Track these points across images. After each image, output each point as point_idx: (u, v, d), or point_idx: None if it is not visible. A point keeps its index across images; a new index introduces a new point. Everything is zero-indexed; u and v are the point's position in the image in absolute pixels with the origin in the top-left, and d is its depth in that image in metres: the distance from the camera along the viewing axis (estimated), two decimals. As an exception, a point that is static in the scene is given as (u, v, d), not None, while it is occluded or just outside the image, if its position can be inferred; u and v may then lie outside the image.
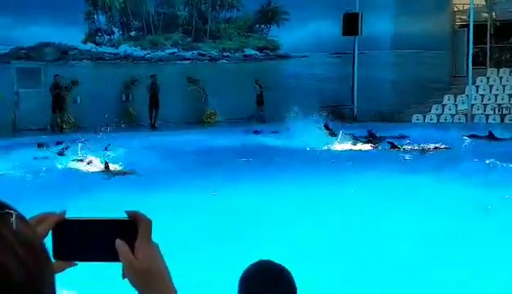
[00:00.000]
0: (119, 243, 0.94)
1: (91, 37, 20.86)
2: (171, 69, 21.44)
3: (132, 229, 0.95)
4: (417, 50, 23.22)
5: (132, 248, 0.93)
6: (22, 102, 19.06)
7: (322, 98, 22.28)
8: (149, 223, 0.95)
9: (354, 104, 23.48)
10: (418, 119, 23.01)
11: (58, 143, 17.18)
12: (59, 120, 19.51)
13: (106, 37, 21.17)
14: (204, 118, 21.53)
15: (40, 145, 16.53)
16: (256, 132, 19.94)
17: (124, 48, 21.38)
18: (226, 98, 21.17)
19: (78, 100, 19.77)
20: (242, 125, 20.63)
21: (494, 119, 22.79)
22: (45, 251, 0.75)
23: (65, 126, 19.41)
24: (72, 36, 20.15)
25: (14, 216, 0.71)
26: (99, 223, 0.95)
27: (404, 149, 16.23)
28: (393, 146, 16.49)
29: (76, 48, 20.39)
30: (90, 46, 20.79)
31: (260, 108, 21.91)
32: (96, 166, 13.63)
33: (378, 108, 22.18)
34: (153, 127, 20.12)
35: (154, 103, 20.27)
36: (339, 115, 22.40)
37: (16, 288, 0.67)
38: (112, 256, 0.94)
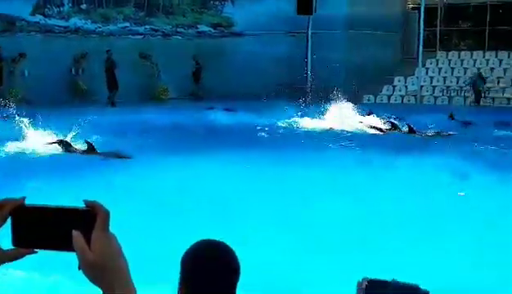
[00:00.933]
0: (75, 234, 0.93)
1: (39, 8, 20.27)
2: (122, 43, 21.07)
3: (90, 219, 0.94)
4: (369, 31, 23.49)
5: (89, 240, 0.92)
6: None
7: (276, 77, 22.36)
8: (106, 214, 0.94)
9: (307, 84, 23.62)
10: (369, 100, 23.38)
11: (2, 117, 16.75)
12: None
13: (56, 10, 20.62)
14: (156, 95, 21.30)
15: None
16: (210, 109, 19.90)
17: (74, 21, 20.87)
18: (178, 74, 21.01)
19: (26, 74, 19.24)
20: (192, 102, 20.56)
21: (442, 101, 23.37)
22: None
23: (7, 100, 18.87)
24: (19, 7, 19.54)
25: None
26: (57, 211, 0.95)
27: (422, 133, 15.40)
28: (411, 130, 15.62)
29: (23, 20, 19.78)
30: (39, 18, 20.22)
31: (197, 84, 21.83)
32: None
33: (330, 88, 22.37)
34: (112, 105, 19.76)
35: (111, 81, 19.88)
36: (291, 95, 22.52)
37: None
38: (69, 246, 0.93)
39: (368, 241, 6.58)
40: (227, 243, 1.92)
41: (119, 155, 11.43)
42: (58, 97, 19.22)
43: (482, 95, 22.66)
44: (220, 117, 18.18)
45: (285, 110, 18.45)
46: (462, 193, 9.13)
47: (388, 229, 6.99)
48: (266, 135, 15.52)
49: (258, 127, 16.46)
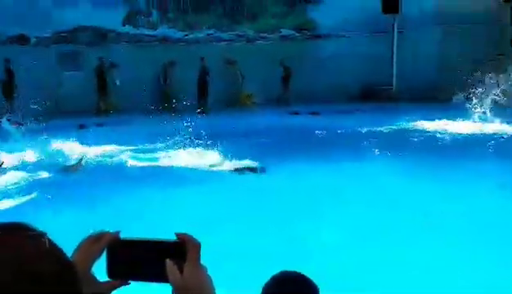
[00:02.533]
0: (170, 265, 0.97)
1: (129, 19, 20.95)
2: (208, 50, 21.39)
3: (182, 251, 0.98)
4: (459, 26, 22.62)
5: (181, 270, 0.96)
6: (63, 85, 19.32)
7: (363, 78, 22.01)
8: (198, 246, 0.98)
9: (393, 84, 23.10)
10: (458, 99, 22.51)
11: (98, 125, 17.46)
12: (101, 103, 19.74)
13: (144, 20, 21.25)
14: (241, 100, 21.46)
15: (82, 127, 16.82)
16: (295, 114, 19.85)
17: (162, 30, 21.41)
18: (262, 79, 21.08)
19: (118, 83, 19.93)
20: (277, 107, 20.55)
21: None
22: (73, 266, 0.84)
23: (108, 108, 19.63)
24: (110, 19, 20.27)
25: (46, 238, 0.81)
26: (150, 244, 0.99)
27: None
28: None
29: (114, 31, 20.51)
30: (128, 28, 20.90)
31: (285, 90, 21.63)
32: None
33: (418, 87, 21.76)
34: (203, 112, 20.08)
35: (203, 88, 20.21)
36: (377, 96, 22.11)
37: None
38: (162, 277, 0.97)
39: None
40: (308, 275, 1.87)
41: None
42: (148, 106, 19.79)
43: None
44: (311, 122, 18.13)
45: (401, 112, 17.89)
46: None
47: None
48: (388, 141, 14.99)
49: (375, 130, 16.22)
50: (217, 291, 1.01)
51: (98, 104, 19.64)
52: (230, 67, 21.78)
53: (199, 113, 20.10)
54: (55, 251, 0.81)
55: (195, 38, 21.70)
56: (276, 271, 1.90)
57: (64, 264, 0.81)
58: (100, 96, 19.76)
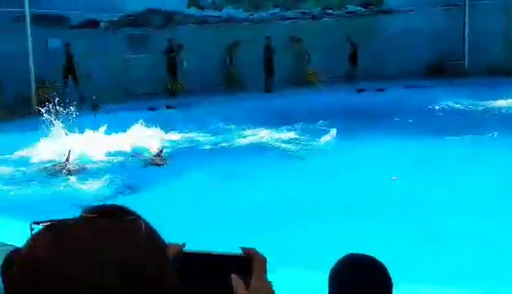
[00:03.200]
0: (235, 279, 0.96)
1: (194, 1, 21.10)
2: (273, 29, 21.28)
3: (247, 265, 0.97)
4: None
5: (247, 285, 0.95)
6: (132, 68, 19.71)
7: (432, 53, 21.37)
8: (264, 261, 0.98)
9: (465, 58, 22.28)
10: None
11: (168, 107, 17.75)
12: (171, 85, 20.02)
13: (209, 1, 21.34)
14: (307, 78, 21.27)
15: (152, 109, 17.14)
16: (360, 91, 19.54)
17: (227, 10, 21.45)
18: (328, 56, 20.81)
19: (185, 64, 20.15)
20: (344, 84, 20.27)
21: None
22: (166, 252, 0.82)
23: (177, 90, 19.89)
24: (176, 1, 20.48)
25: (143, 223, 0.79)
26: (215, 257, 0.98)
27: None
28: None
29: (180, 13, 20.70)
30: (194, 10, 21.05)
31: (353, 67, 21.23)
32: None
33: (491, 62, 20.90)
34: (269, 91, 20.15)
35: (269, 67, 20.23)
36: (448, 71, 21.40)
37: (150, 283, 0.75)
38: (227, 291, 0.96)
39: None
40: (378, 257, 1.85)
41: None
42: (214, 86, 19.96)
43: None
44: (377, 98, 17.80)
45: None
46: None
47: None
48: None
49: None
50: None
51: (167, 86, 19.94)
52: (295, 45, 21.62)
53: (266, 91, 20.13)
54: (154, 237, 0.79)
55: (260, 18, 21.63)
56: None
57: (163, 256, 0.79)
58: (169, 78, 20.05)
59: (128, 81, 19.06)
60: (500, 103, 16.60)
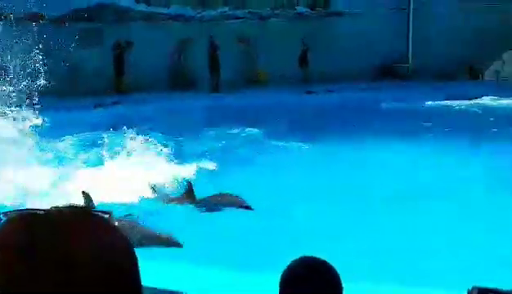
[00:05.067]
0: None
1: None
2: (222, 28, 21.15)
3: None
4: (477, 3, 22.26)
5: None
6: (83, 64, 19.13)
7: (379, 56, 21.78)
8: None
9: (409, 62, 22.84)
10: (467, 77, 22.27)
11: (114, 103, 17.37)
12: (119, 82, 19.59)
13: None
14: (256, 78, 21.26)
15: (97, 106, 16.74)
16: (309, 92, 19.70)
17: (175, 8, 21.17)
18: (277, 57, 20.86)
19: (132, 62, 19.77)
20: (293, 85, 20.39)
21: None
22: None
23: (125, 87, 19.49)
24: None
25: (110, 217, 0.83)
26: None
27: None
28: None
29: (128, 8, 20.28)
30: (142, 6, 20.67)
31: (304, 68, 21.43)
32: None
33: (435, 66, 21.50)
34: (215, 90, 19.98)
35: (214, 65, 20.08)
36: (393, 74, 21.88)
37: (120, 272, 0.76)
38: None
39: None
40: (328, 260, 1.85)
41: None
42: (162, 84, 19.65)
43: None
44: (326, 100, 17.99)
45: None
46: None
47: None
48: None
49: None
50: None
51: (115, 83, 19.51)
52: (242, 45, 21.56)
53: (212, 91, 20.01)
54: (119, 231, 0.80)
55: (209, 16, 21.46)
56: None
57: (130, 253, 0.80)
58: (116, 75, 19.61)
59: (72, 77, 18.51)
60: (441, 104, 17.14)
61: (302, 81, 21.01)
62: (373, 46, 21.77)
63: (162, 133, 11.15)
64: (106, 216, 0.82)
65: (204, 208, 8.11)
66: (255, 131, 13.46)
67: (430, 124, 14.24)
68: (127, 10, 20.10)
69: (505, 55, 22.82)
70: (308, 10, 22.66)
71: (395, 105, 16.86)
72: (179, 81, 20.37)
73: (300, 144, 11.96)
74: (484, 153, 10.93)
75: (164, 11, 20.96)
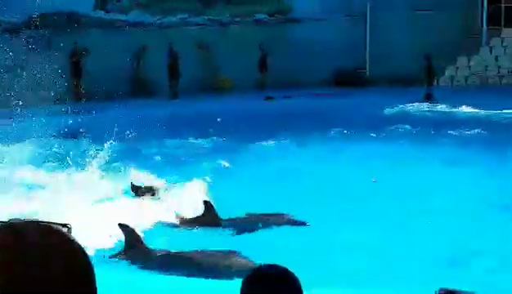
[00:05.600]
0: None
1: (100, 4, 20.57)
2: (181, 35, 21.15)
3: None
4: (431, 10, 22.79)
5: None
6: (33, 71, 18.85)
7: (337, 62, 22.06)
8: None
9: (366, 67, 23.22)
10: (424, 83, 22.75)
11: (71, 112, 17.15)
12: (76, 90, 19.37)
13: (116, 4, 20.88)
14: (216, 85, 21.31)
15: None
16: (268, 98, 19.85)
17: (134, 15, 21.08)
18: (237, 64, 20.95)
19: (89, 69, 19.60)
20: (254, 91, 20.52)
21: (508, 81, 22.51)
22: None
23: (81, 95, 19.26)
24: (81, 3, 19.87)
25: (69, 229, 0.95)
26: None
27: None
28: None
29: (85, 15, 20.11)
30: (100, 13, 20.52)
31: (263, 74, 21.61)
32: None
33: (392, 71, 21.90)
34: (174, 97, 19.94)
35: (173, 72, 20.04)
36: (351, 80, 22.19)
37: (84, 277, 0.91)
38: None
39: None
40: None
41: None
42: (121, 92, 19.50)
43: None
44: (284, 106, 18.11)
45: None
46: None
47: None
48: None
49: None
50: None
51: (72, 91, 19.28)
52: (202, 52, 21.59)
53: (171, 98, 19.99)
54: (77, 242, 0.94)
55: (168, 23, 21.44)
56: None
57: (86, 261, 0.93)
58: (74, 83, 19.40)
59: (27, 85, 18.23)
60: (399, 109, 17.47)
61: (260, 87, 21.16)
62: (331, 52, 22.05)
63: (120, 142, 10.96)
64: (65, 229, 0.95)
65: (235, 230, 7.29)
66: (212, 138, 13.47)
67: (392, 128, 14.49)
68: (84, 16, 19.93)
69: (459, 61, 23.42)
70: (267, 16, 22.85)
71: (353, 110, 17.12)
72: (138, 88, 20.28)
73: (260, 148, 12.04)
74: (440, 154, 11.27)
75: (123, 17, 20.85)
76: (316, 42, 22.01)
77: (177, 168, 10.29)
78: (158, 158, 11.55)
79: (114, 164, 8.91)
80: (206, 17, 22.06)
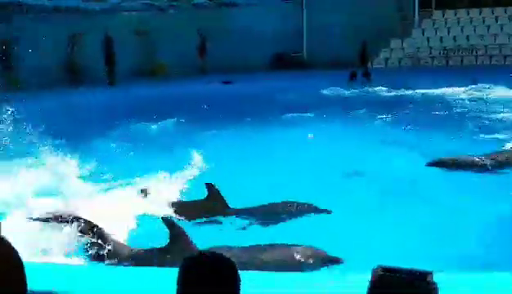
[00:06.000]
0: None
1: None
2: (117, 20, 20.74)
3: None
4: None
5: None
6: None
7: (274, 46, 22.21)
8: None
9: (304, 51, 23.49)
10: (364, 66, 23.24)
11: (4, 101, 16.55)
12: (7, 78, 18.67)
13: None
14: (155, 70, 21.06)
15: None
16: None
17: (67, 0, 20.49)
18: (175, 48, 20.77)
19: (21, 57, 18.93)
20: (193, 76, 20.39)
21: (439, 62, 23.26)
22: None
23: (14, 83, 18.59)
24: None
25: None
26: None
27: None
28: None
29: (17, 1, 19.38)
30: (30, -1, 19.84)
31: (203, 58, 21.54)
32: None
33: (329, 54, 22.25)
34: (111, 84, 19.54)
35: (110, 58, 19.62)
36: (288, 63, 22.40)
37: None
38: None
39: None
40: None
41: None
42: (55, 79, 18.98)
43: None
44: (224, 90, 18.08)
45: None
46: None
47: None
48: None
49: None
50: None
51: (4, 79, 18.59)
52: (140, 37, 21.27)
53: (109, 84, 19.62)
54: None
55: (103, 8, 20.96)
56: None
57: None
58: (4, 71, 18.70)
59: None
60: (337, 91, 17.77)
61: (200, 71, 21.08)
62: (269, 36, 22.19)
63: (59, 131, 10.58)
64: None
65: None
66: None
67: (328, 110, 14.69)
68: (12, 3, 19.20)
69: (393, 43, 24.03)
70: (206, 1, 22.71)
71: (290, 94, 17.28)
72: (74, 76, 19.79)
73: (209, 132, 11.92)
74: (373, 132, 11.60)
75: (54, 3, 20.23)
76: (254, 26, 22.08)
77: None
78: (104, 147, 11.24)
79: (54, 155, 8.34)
80: (143, 2, 21.71)
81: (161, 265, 4.79)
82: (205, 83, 19.12)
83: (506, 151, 9.07)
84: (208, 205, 6.62)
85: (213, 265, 1.80)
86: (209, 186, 6.65)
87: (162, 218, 5.35)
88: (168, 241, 5.20)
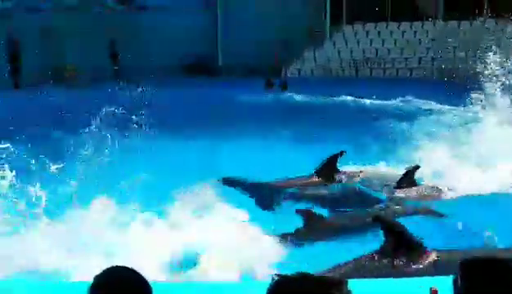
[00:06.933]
0: None
1: None
2: (22, 21, 19.83)
3: None
4: (279, 5, 23.60)
5: None
6: None
7: (185, 52, 22.03)
8: None
9: (218, 58, 23.48)
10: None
11: None
12: None
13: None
14: (64, 75, 20.28)
15: None
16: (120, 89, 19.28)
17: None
18: (85, 52, 20.15)
19: None
20: (103, 81, 19.80)
21: (350, 73, 23.95)
22: None
23: None
24: None
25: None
26: None
27: None
28: None
29: None
30: None
31: (114, 63, 21.07)
32: None
33: (244, 62, 22.35)
34: (16, 87, 18.62)
35: (14, 61, 18.72)
36: (202, 70, 22.29)
37: None
38: None
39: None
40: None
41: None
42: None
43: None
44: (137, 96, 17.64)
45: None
46: None
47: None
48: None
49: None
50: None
51: None
52: (48, 39, 20.46)
53: (14, 88, 18.75)
54: None
55: (5, 8, 19.99)
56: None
57: None
58: None
59: None
60: (251, 98, 17.82)
61: (113, 76, 20.53)
62: (181, 42, 22.00)
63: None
64: None
65: None
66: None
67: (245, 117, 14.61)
68: None
69: (306, 53, 24.50)
70: (116, 3, 22.21)
71: (203, 101, 17.14)
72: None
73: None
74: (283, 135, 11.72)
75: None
76: (167, 30, 21.81)
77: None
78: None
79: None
80: (51, 2, 20.93)
81: None
82: (116, 89, 18.61)
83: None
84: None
85: (123, 282, 1.79)
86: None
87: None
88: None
